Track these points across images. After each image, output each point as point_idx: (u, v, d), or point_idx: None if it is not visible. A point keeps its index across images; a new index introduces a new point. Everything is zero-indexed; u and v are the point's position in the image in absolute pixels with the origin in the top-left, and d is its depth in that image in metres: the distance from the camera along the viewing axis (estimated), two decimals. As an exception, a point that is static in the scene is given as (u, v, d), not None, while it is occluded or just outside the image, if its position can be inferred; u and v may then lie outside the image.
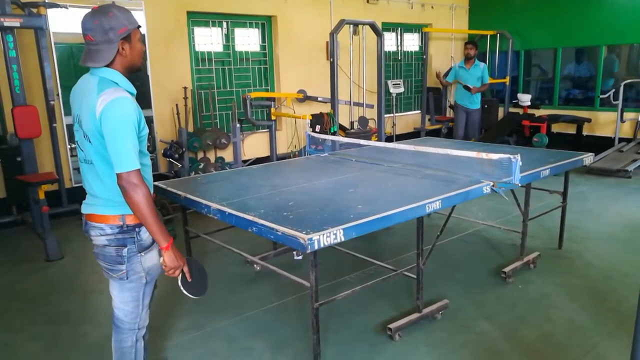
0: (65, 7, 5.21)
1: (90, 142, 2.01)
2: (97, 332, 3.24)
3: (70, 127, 5.73)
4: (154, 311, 3.39)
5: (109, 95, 1.93)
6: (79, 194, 5.97)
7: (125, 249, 2.11)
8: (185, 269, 2.17)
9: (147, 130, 2.12)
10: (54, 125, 5.39)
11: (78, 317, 3.49)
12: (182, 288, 2.20)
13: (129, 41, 2.03)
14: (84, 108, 2.00)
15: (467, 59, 7.62)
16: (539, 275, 3.93)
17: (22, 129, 4.58)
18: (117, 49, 2.00)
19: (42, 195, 4.53)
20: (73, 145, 5.94)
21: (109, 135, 1.93)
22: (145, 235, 2.14)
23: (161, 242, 2.05)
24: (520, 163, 3.16)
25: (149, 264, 2.19)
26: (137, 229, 2.12)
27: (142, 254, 2.15)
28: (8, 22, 4.42)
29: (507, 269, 3.85)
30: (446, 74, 8.21)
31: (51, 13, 5.31)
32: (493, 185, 3.15)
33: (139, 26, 2.10)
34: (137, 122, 2.00)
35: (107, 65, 2.02)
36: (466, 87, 7.60)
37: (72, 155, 5.86)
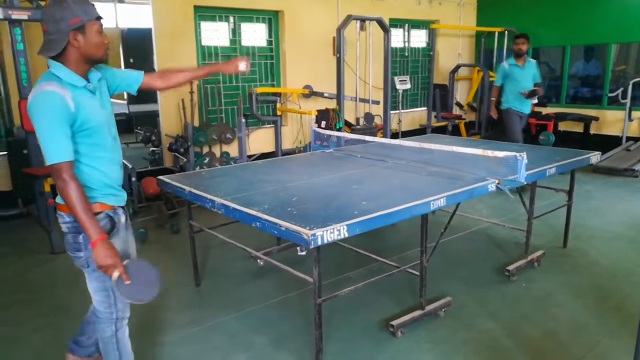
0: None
1: None
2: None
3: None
4: (153, 305, 3.42)
5: (35, 90, 1.98)
6: (84, 187, 5.95)
7: (81, 236, 2.12)
8: (121, 270, 2.03)
9: (97, 122, 2.10)
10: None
11: (82, 310, 3.50)
12: (115, 288, 2.08)
13: (82, 32, 2.01)
14: None
15: (518, 55, 6.35)
16: (543, 274, 3.91)
17: (29, 121, 4.57)
18: (67, 39, 1.99)
19: (47, 188, 4.55)
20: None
21: (35, 129, 1.99)
22: (101, 224, 2.10)
23: (90, 235, 2.01)
24: (526, 161, 3.14)
25: None
26: None
27: None
28: (16, 15, 4.43)
29: (511, 267, 3.83)
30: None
31: (58, 6, 5.32)
32: (498, 183, 3.14)
33: (99, 17, 2.07)
34: (68, 115, 1.99)
35: (60, 57, 2.04)
36: (533, 93, 6.32)
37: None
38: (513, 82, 6.39)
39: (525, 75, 6.38)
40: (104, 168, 2.17)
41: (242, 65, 2.60)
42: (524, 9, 9.27)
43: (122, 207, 2.30)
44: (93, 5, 2.07)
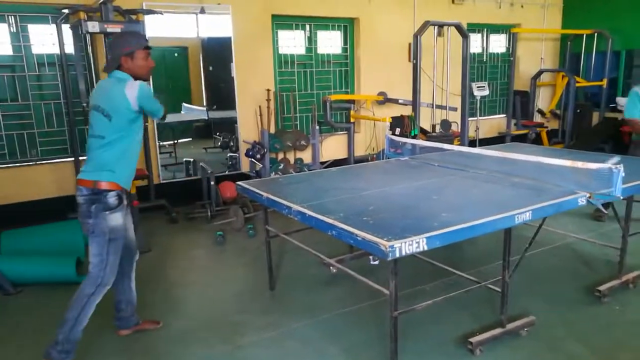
0: (161, 13, 5.50)
1: (110, 120, 2.69)
2: (178, 324, 3.38)
3: (158, 126, 6.06)
4: (229, 307, 3.51)
5: (132, 83, 2.71)
6: (165, 189, 6.26)
7: (93, 206, 2.68)
8: None
9: (141, 117, 2.82)
10: (146, 124, 5.71)
11: (162, 309, 3.65)
12: None
13: (132, 57, 2.76)
14: (106, 97, 2.74)
15: None
16: (639, 297, 3.59)
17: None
18: (119, 62, 2.77)
19: (133, 190, 4.80)
20: (161, 143, 6.27)
21: (152, 104, 2.78)
22: (111, 200, 2.70)
23: None
24: (623, 174, 2.90)
25: (113, 224, 2.72)
26: (104, 193, 2.69)
27: (108, 212, 2.70)
28: (111, 28, 4.75)
29: (602, 288, 3.55)
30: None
31: (148, 19, 5.63)
32: (590, 197, 2.92)
33: (146, 47, 2.79)
34: None
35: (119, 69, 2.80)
36: None
37: (160, 153, 6.17)
38: None
39: None
40: (136, 156, 2.85)
41: None
42: (617, 9, 8.64)
43: (128, 191, 2.89)
44: (144, 36, 2.86)
